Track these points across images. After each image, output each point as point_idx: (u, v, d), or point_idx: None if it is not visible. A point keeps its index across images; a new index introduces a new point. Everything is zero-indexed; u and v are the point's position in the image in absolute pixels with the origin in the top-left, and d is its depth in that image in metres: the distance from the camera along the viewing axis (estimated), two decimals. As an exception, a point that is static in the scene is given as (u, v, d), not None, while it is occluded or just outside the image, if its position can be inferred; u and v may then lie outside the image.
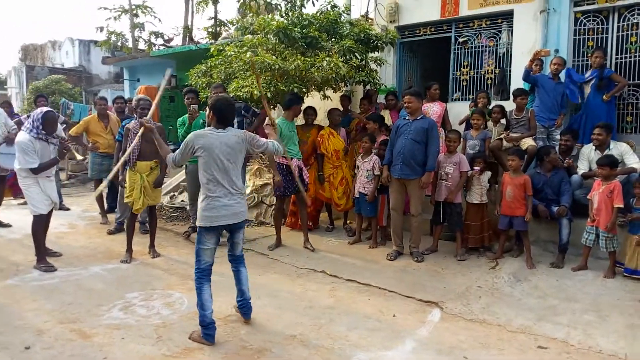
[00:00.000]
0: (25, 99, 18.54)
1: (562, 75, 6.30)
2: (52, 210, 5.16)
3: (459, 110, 7.14)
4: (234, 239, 3.64)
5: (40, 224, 4.93)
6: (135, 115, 5.28)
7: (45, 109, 4.92)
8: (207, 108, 3.58)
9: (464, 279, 4.73)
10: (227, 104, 3.49)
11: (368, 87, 7.14)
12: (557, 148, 5.73)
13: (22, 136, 4.75)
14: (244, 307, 3.67)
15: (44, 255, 4.93)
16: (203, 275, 3.43)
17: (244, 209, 3.54)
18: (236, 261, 3.69)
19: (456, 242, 5.48)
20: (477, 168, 5.44)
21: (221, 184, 3.38)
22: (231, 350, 3.26)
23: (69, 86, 18.73)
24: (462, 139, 5.79)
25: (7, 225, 6.62)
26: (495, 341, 3.44)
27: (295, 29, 6.32)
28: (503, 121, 6.29)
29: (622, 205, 4.66)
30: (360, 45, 6.77)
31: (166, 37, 16.91)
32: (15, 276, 4.65)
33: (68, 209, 7.91)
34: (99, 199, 7.11)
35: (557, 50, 6.65)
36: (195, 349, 3.24)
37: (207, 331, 3.35)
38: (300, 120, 6.46)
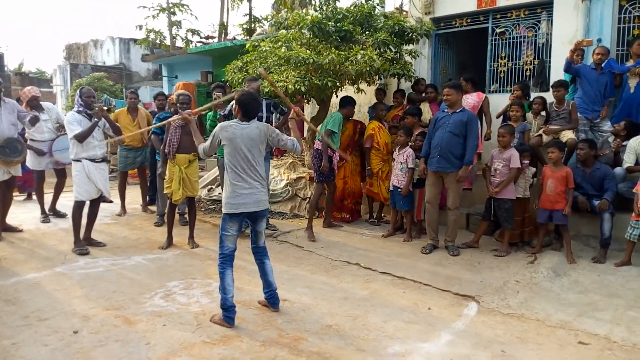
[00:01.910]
0: (69, 96, 19.25)
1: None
2: (99, 201, 5.51)
3: (496, 102, 6.97)
4: (257, 228, 3.71)
5: (79, 210, 5.34)
6: (171, 110, 5.50)
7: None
8: (234, 102, 3.67)
9: (501, 273, 4.66)
10: (252, 98, 3.60)
11: (417, 77, 7.18)
12: (609, 139, 5.58)
13: (69, 113, 5.40)
14: (272, 297, 3.76)
15: (78, 239, 5.33)
16: (226, 260, 3.56)
17: (265, 198, 3.66)
18: (260, 253, 3.76)
19: (503, 238, 5.34)
20: (525, 162, 5.32)
21: (244, 173, 3.51)
22: (268, 338, 3.33)
23: (110, 83, 19.34)
24: (512, 134, 5.43)
25: (64, 215, 6.93)
26: (533, 336, 3.39)
27: (329, 23, 6.35)
28: (543, 113, 6.13)
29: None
30: (394, 38, 6.74)
31: (203, 35, 17.21)
32: (63, 265, 4.86)
33: (111, 201, 8.19)
34: (122, 190, 7.34)
35: (599, 40, 6.42)
36: (234, 337, 3.33)
37: (228, 314, 3.48)
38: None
